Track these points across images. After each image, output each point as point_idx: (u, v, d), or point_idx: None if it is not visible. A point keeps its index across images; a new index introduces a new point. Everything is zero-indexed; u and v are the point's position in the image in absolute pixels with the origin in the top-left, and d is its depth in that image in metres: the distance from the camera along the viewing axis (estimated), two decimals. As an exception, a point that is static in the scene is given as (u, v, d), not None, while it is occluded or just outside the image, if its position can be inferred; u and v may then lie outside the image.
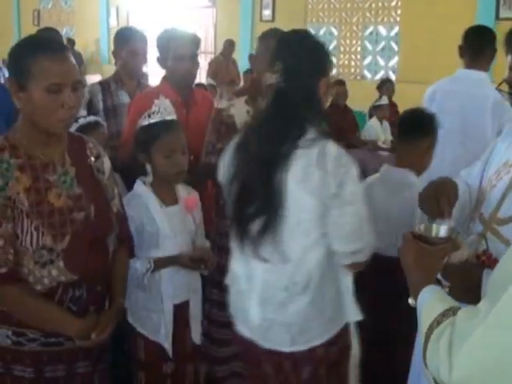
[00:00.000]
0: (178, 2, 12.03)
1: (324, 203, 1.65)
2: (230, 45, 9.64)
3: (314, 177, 1.63)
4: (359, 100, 6.74)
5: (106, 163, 1.86)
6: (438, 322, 1.12)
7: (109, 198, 1.83)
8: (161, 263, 2.14)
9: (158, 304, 2.16)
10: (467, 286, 1.49)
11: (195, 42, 2.84)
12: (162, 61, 2.83)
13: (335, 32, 10.05)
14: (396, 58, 9.28)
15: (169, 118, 2.17)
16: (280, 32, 2.21)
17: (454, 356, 1.03)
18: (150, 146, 2.15)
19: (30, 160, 1.64)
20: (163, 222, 2.14)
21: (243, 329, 1.85)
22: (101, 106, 3.19)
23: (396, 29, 9.31)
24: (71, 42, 11.43)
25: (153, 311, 2.17)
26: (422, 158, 2.52)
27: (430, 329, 1.13)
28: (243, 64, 9.82)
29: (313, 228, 1.69)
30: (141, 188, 2.20)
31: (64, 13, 14.46)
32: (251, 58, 2.81)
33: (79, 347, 1.70)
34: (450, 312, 1.12)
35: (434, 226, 1.44)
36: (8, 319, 1.65)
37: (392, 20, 9.35)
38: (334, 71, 10.12)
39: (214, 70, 9.47)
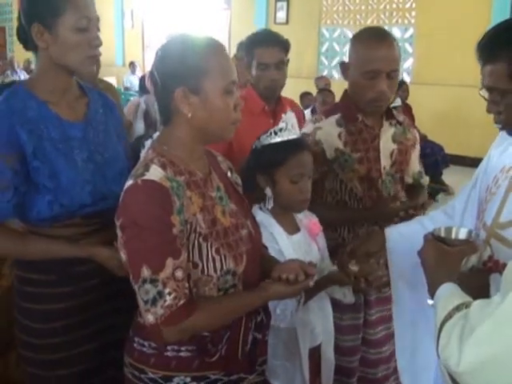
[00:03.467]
0: (193, 4, 12.10)
1: None
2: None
3: None
4: (373, 102, 6.74)
5: (237, 176, 1.72)
6: (451, 315, 1.16)
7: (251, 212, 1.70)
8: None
9: (292, 350, 1.91)
10: (475, 294, 1.49)
11: (283, 47, 2.52)
12: (247, 68, 2.61)
13: (349, 34, 10.04)
14: (411, 60, 9.27)
15: (296, 136, 1.89)
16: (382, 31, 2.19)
17: (463, 347, 1.06)
18: (274, 168, 1.87)
19: (191, 177, 1.47)
20: (290, 253, 1.85)
21: None
22: (158, 116, 2.97)
23: (411, 31, 9.30)
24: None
25: (287, 359, 1.92)
26: None
27: (444, 321, 1.16)
28: (257, 66, 9.87)
29: None
30: (261, 215, 1.89)
31: (79, 16, 14.60)
32: (343, 65, 2.22)
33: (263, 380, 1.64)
34: (463, 306, 1.16)
35: (454, 228, 1.51)
36: (187, 365, 1.48)
37: (407, 22, 9.34)
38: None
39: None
